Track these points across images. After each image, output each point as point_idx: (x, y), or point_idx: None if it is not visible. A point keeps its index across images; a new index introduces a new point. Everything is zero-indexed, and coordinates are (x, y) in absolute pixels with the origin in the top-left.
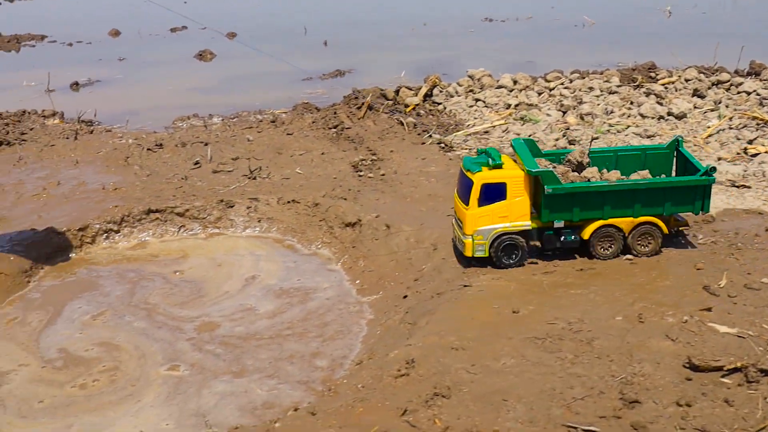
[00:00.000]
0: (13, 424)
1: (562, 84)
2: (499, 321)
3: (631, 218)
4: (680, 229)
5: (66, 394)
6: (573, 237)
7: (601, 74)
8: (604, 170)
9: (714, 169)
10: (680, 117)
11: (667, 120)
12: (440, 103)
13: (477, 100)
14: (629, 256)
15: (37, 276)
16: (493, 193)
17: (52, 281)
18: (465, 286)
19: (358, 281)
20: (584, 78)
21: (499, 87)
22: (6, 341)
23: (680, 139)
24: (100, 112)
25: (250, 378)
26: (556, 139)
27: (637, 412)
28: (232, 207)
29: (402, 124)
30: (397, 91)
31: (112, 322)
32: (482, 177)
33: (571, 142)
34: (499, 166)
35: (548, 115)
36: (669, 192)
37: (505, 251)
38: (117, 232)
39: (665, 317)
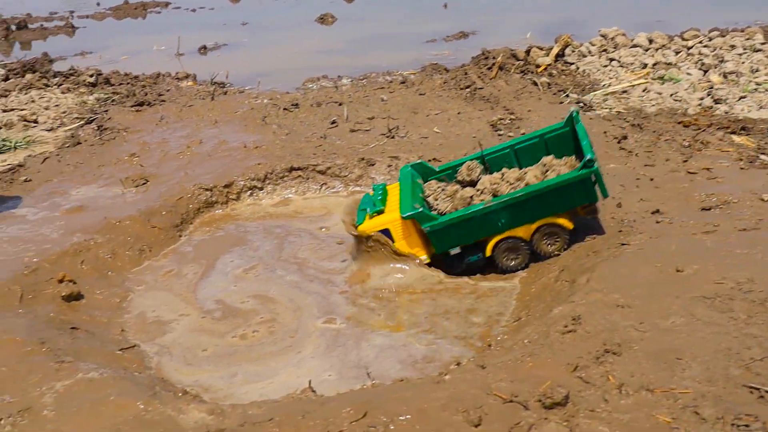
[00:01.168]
0: (180, 371)
1: (700, 42)
2: (663, 279)
3: (527, 225)
4: (594, 212)
5: (227, 343)
6: (477, 257)
7: (743, 32)
8: (505, 170)
9: (591, 160)
10: None
11: None
12: (572, 63)
13: (611, 59)
14: None
15: (188, 231)
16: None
17: (202, 236)
18: (623, 244)
19: None
20: (724, 36)
21: (634, 46)
22: (165, 292)
23: (574, 113)
24: (231, 75)
25: (407, 332)
26: (701, 99)
27: None
28: (372, 165)
29: (536, 84)
30: (527, 52)
31: (264, 275)
32: (364, 229)
33: (717, 101)
34: (380, 212)
35: (689, 74)
36: (553, 194)
37: None
38: (261, 189)
39: None
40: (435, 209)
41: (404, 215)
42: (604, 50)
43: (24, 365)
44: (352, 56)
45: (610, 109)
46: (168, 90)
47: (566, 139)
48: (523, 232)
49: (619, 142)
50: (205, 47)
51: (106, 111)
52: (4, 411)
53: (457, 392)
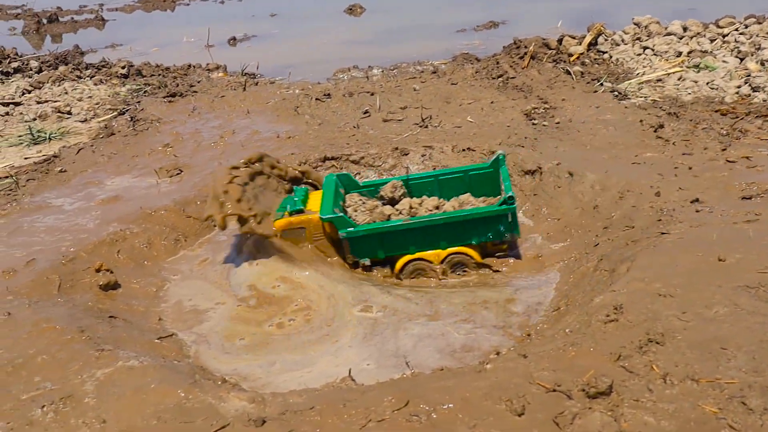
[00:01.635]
0: (219, 359)
1: (736, 30)
2: (706, 269)
3: (438, 251)
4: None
5: (264, 332)
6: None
7: None
8: (425, 198)
9: (512, 198)
10: None
11: None
12: (605, 52)
13: (645, 48)
14: None
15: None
16: (295, 235)
17: (236, 224)
18: (663, 233)
19: (542, 229)
20: (761, 23)
21: (668, 34)
22: (201, 281)
23: (501, 156)
24: (261, 66)
25: (445, 321)
26: (738, 87)
27: None
28: (406, 155)
29: (569, 73)
30: (559, 41)
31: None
32: (281, 225)
33: (754, 89)
34: (299, 212)
35: (725, 62)
36: (470, 224)
37: None
38: None
39: None
40: (353, 220)
41: (323, 216)
42: (638, 38)
43: (64, 353)
44: (381, 47)
45: (646, 97)
46: (199, 81)
47: (489, 180)
48: (433, 256)
49: (655, 131)
50: (234, 38)
51: (139, 102)
52: (46, 398)
53: (499, 381)
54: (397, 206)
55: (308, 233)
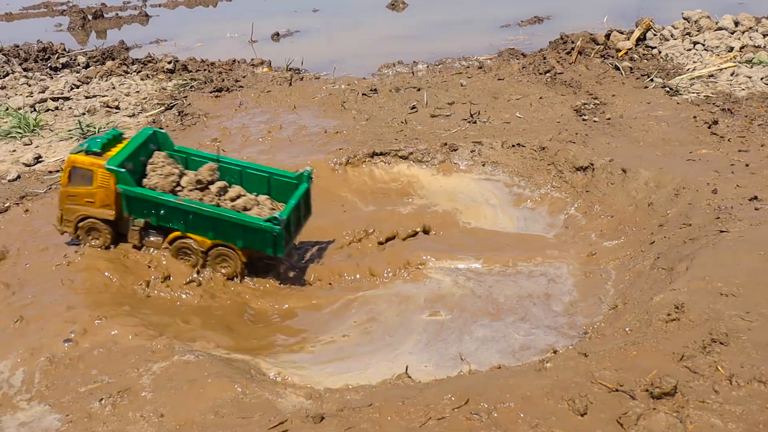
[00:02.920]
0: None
1: None
2: None
3: (204, 238)
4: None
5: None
6: (156, 239)
7: None
8: (226, 183)
9: (276, 219)
10: None
11: None
12: (654, 47)
13: (695, 43)
14: None
15: None
16: (81, 177)
17: None
18: (722, 231)
19: (595, 226)
20: None
21: (719, 29)
22: None
23: (306, 174)
24: (306, 61)
25: (505, 321)
26: None
27: None
28: (455, 150)
29: (618, 68)
30: (607, 36)
31: None
32: (74, 160)
33: None
34: (95, 153)
35: None
36: (234, 226)
37: (89, 233)
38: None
39: None
40: (148, 178)
41: (107, 165)
42: (688, 33)
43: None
44: (425, 42)
45: (698, 93)
46: (244, 76)
47: (290, 190)
48: (199, 240)
49: (709, 127)
50: (277, 34)
51: (186, 97)
52: (104, 391)
53: (560, 380)
54: (182, 181)
55: (95, 178)
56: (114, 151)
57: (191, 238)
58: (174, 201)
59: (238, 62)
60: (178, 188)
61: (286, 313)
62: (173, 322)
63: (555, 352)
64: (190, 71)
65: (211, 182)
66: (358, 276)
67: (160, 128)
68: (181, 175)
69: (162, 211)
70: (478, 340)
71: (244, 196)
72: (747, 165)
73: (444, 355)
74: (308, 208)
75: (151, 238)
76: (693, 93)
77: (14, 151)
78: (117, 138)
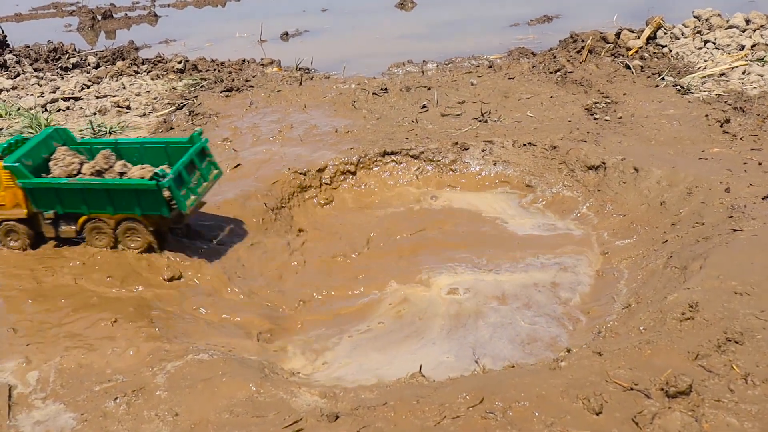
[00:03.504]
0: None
1: None
2: None
3: (110, 215)
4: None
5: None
6: (69, 227)
7: None
8: (123, 162)
9: (157, 175)
10: None
11: None
12: (665, 46)
13: (706, 41)
14: None
15: (282, 214)
16: None
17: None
18: (736, 230)
19: (607, 225)
20: None
21: (730, 27)
22: None
23: (195, 134)
24: (315, 60)
25: (511, 306)
26: None
27: None
28: (466, 149)
29: (628, 67)
30: (617, 34)
31: None
32: None
33: None
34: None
35: None
36: (127, 194)
37: (7, 235)
38: (354, 173)
39: None
40: (52, 172)
41: (5, 164)
42: (698, 32)
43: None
44: (434, 41)
45: (709, 92)
46: (254, 76)
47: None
48: (106, 218)
49: (721, 126)
50: (287, 33)
51: (196, 97)
52: (118, 390)
53: (575, 379)
54: (83, 168)
55: (1, 183)
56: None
57: (98, 218)
58: (57, 182)
59: (248, 62)
60: (80, 176)
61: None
62: None
63: (569, 351)
64: (200, 71)
65: (110, 167)
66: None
67: (170, 128)
68: (82, 163)
69: (63, 199)
70: (491, 326)
71: (143, 168)
72: (760, 163)
73: (463, 344)
74: (213, 166)
75: (64, 228)
76: (704, 91)
77: None
78: (20, 142)
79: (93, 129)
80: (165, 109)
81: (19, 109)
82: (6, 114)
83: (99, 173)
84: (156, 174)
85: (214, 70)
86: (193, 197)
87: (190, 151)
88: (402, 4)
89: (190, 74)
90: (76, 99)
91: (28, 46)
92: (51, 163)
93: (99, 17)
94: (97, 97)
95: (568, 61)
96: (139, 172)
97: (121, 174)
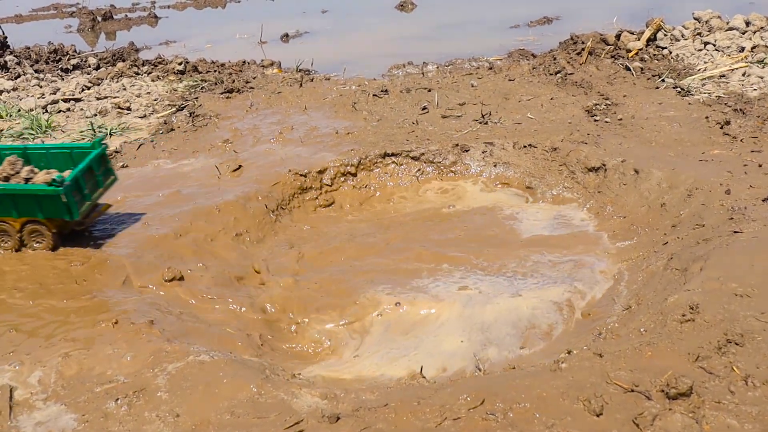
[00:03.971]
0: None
1: None
2: None
3: (14, 218)
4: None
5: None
6: None
7: None
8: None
9: (55, 181)
10: None
11: None
12: (665, 48)
13: (706, 43)
14: None
15: (283, 215)
16: None
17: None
18: (736, 232)
19: (608, 226)
20: None
21: (730, 29)
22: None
23: (97, 140)
24: (315, 62)
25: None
26: None
27: None
28: (467, 151)
29: (629, 69)
30: (617, 36)
31: None
32: None
33: None
34: None
35: None
36: (30, 199)
37: None
38: (354, 175)
39: None
40: None
41: None
42: (698, 34)
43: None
44: (434, 42)
45: (710, 93)
46: (254, 77)
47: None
48: (11, 221)
49: (722, 128)
50: (287, 35)
51: (197, 98)
52: (119, 391)
53: (575, 380)
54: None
55: None
56: None
57: (3, 221)
58: None
59: (248, 63)
60: None
61: None
62: None
63: (569, 352)
64: (201, 72)
65: (16, 173)
66: None
67: (171, 129)
68: None
69: None
70: (497, 309)
71: (48, 173)
72: (760, 165)
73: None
74: (110, 172)
75: None
76: (705, 93)
77: None
78: None
79: (94, 130)
80: (166, 111)
81: (19, 110)
82: (6, 115)
83: (6, 179)
84: (55, 180)
85: (215, 71)
86: (86, 203)
87: (91, 158)
88: (402, 5)
89: (191, 75)
90: (77, 100)
91: (29, 48)
92: None
93: (99, 18)
94: (98, 99)
95: (568, 62)
96: (42, 178)
97: (27, 180)
